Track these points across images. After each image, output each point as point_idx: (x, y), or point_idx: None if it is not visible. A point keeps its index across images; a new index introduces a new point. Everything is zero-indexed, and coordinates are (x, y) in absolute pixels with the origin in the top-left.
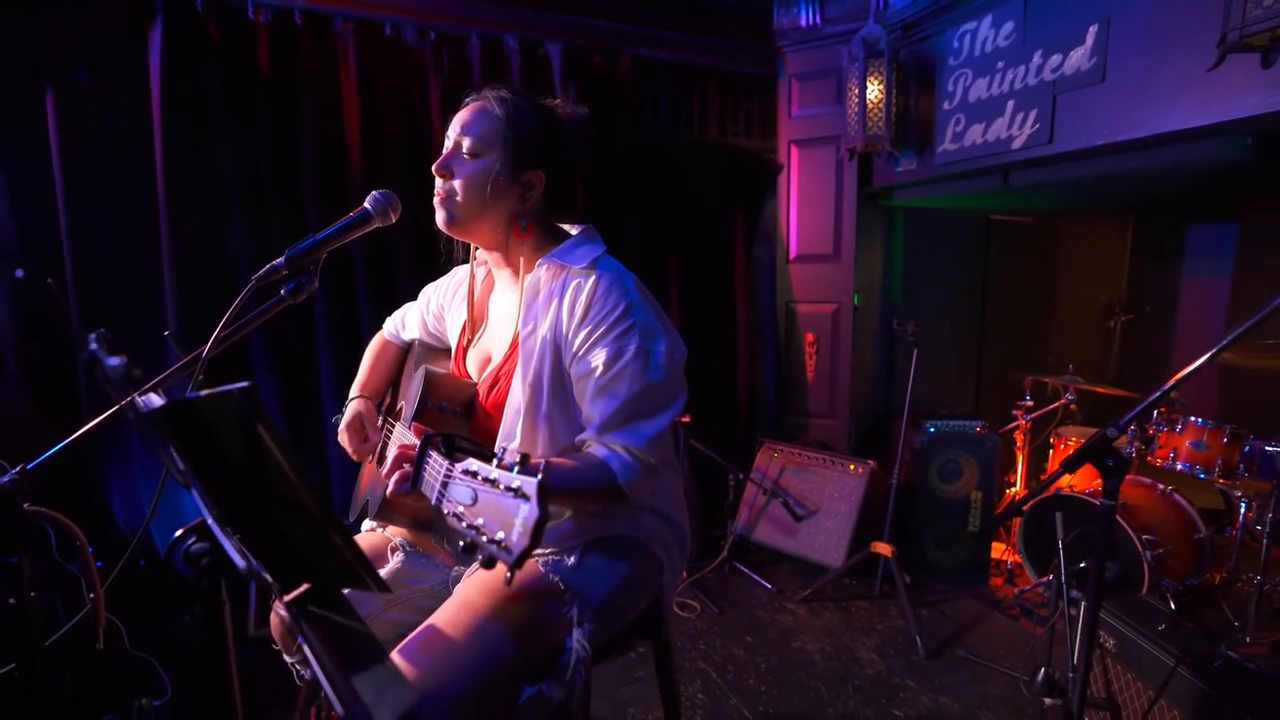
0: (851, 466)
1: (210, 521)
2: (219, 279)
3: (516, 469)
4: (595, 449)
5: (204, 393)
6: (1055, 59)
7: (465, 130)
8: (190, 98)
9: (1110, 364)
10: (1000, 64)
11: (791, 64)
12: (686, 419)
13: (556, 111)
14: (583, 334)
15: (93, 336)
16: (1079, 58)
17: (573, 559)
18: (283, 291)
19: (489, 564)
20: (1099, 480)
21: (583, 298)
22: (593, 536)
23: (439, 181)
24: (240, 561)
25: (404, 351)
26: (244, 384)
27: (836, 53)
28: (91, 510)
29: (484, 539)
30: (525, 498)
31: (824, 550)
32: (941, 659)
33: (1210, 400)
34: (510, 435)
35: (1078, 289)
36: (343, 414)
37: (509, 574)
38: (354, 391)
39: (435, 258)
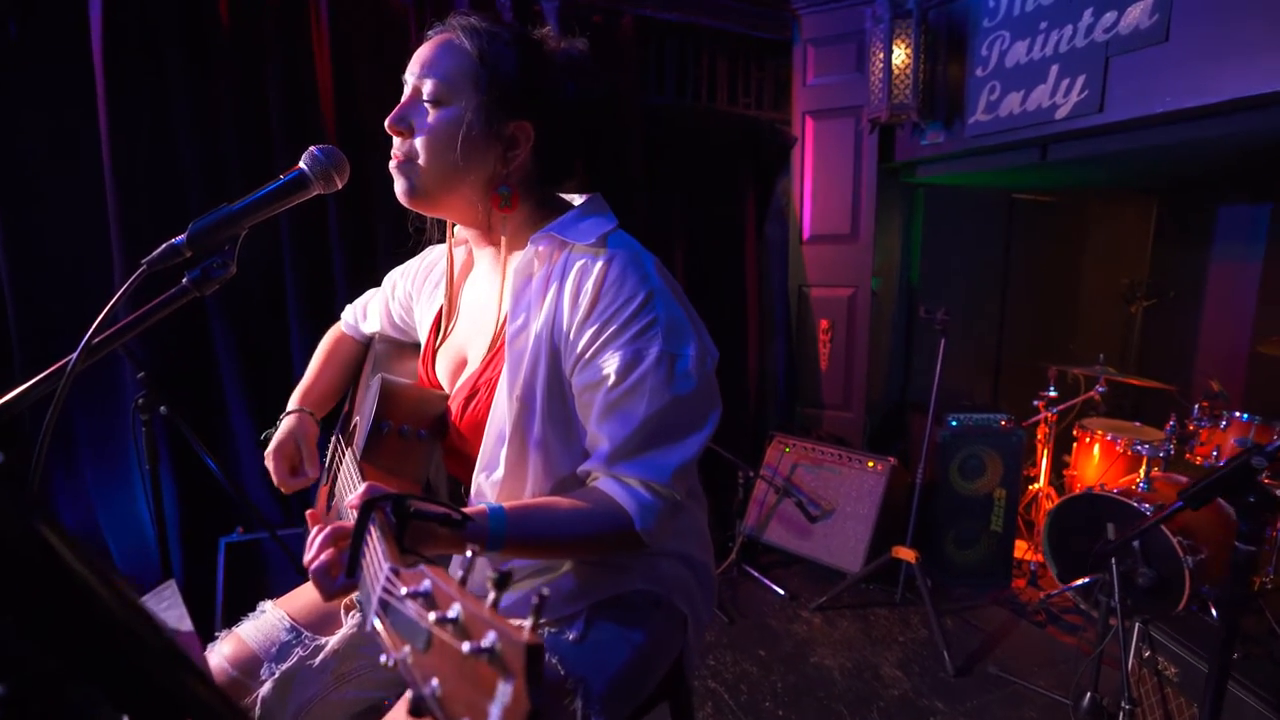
0: (870, 464)
1: None
2: (177, 265)
3: (492, 597)
4: (604, 483)
5: None
6: (1109, 17)
7: (426, 71)
8: (139, 54)
9: (1131, 351)
10: (1043, 24)
11: (807, 28)
12: None
13: (546, 44)
14: (589, 332)
15: None
16: (1137, 15)
17: (574, 632)
18: (185, 280)
19: None
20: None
21: (589, 284)
22: (600, 597)
23: (396, 142)
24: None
25: (363, 348)
26: None
27: (857, 15)
28: None
29: (441, 713)
30: (506, 671)
31: (840, 554)
32: (971, 676)
33: (1237, 390)
34: (492, 464)
35: (1098, 271)
36: (275, 429)
37: None
38: (293, 400)
39: (420, 233)
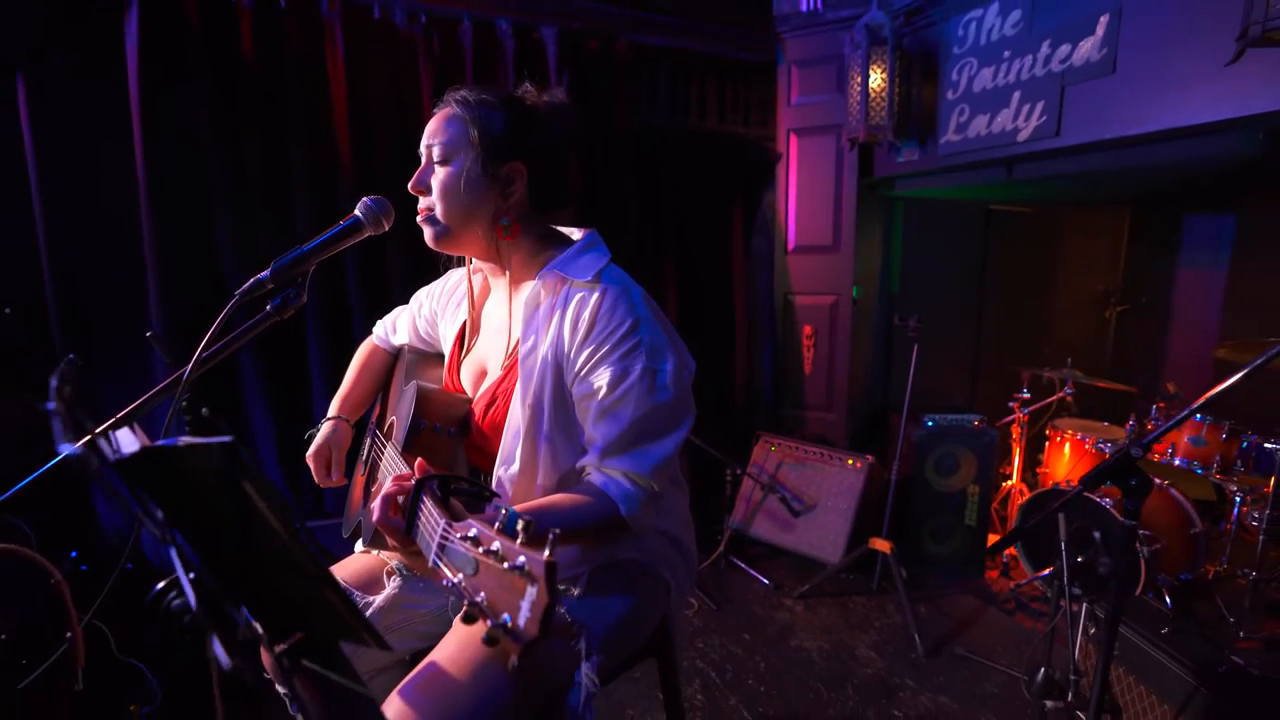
0: (850, 461)
1: (183, 579)
2: (204, 275)
3: (521, 537)
4: (595, 476)
5: (181, 441)
6: (1064, 49)
7: (433, 139)
8: (170, 84)
9: (1105, 355)
10: (1007, 53)
11: (791, 50)
12: None
13: (526, 100)
14: (586, 352)
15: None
16: (1089, 49)
17: (578, 589)
18: (269, 307)
19: (491, 642)
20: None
21: (586, 313)
22: (597, 563)
23: (420, 201)
24: (197, 606)
25: (393, 357)
26: (227, 438)
27: (838, 39)
28: (74, 513)
29: (488, 618)
30: (532, 579)
31: (822, 546)
32: (940, 657)
33: (1203, 392)
34: (510, 458)
35: (1074, 279)
36: (317, 430)
37: (514, 660)
38: (333, 407)
39: (428, 255)
